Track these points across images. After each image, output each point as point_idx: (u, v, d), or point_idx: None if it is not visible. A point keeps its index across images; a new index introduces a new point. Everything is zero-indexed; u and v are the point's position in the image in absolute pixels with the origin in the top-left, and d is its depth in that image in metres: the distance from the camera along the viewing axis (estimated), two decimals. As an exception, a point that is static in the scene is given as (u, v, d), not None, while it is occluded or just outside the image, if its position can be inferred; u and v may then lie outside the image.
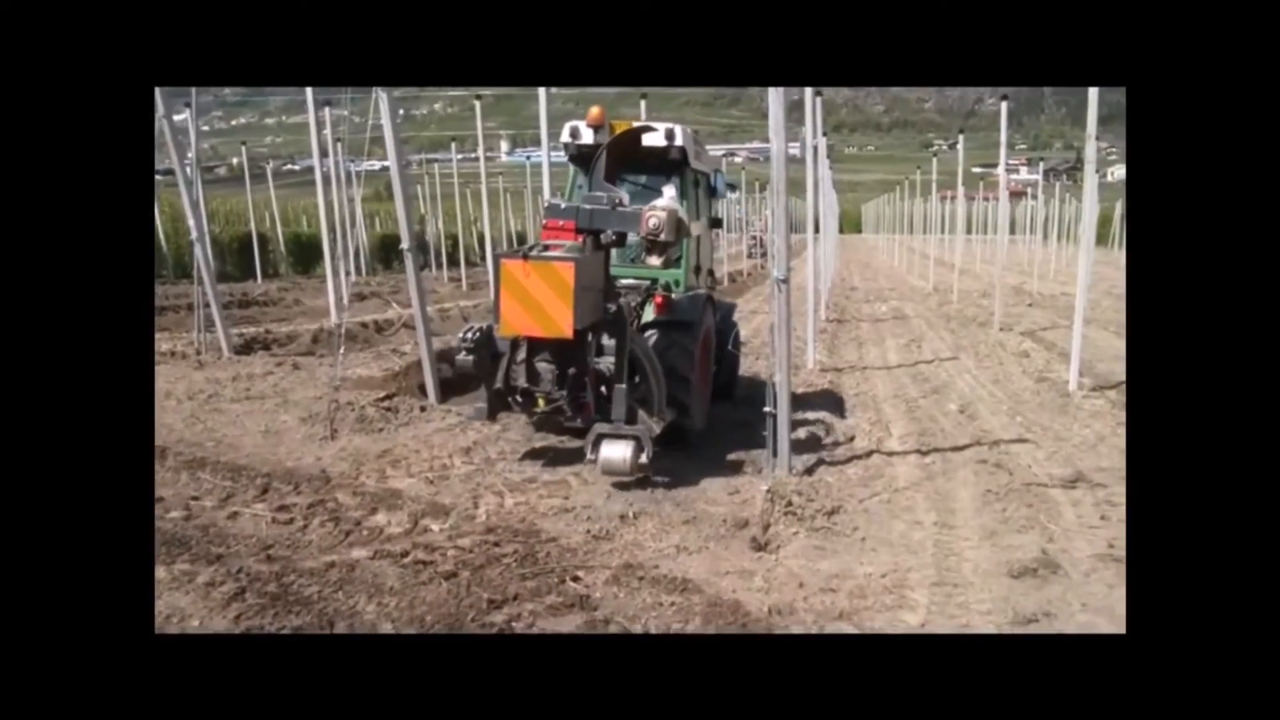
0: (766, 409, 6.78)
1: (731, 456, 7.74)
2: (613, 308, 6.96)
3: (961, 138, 22.97)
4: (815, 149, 13.66)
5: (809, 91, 12.11)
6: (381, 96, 8.75)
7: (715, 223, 9.76)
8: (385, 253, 35.12)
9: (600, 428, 6.84)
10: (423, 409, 9.29)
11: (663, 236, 6.75)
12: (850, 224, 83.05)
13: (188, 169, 12.50)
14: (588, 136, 8.14)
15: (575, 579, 5.09)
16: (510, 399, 7.32)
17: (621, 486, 6.80)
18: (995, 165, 19.05)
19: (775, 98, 6.58)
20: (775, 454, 7.01)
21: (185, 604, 4.64)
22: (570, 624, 4.54)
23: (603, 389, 7.06)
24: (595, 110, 8.02)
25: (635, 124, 8.22)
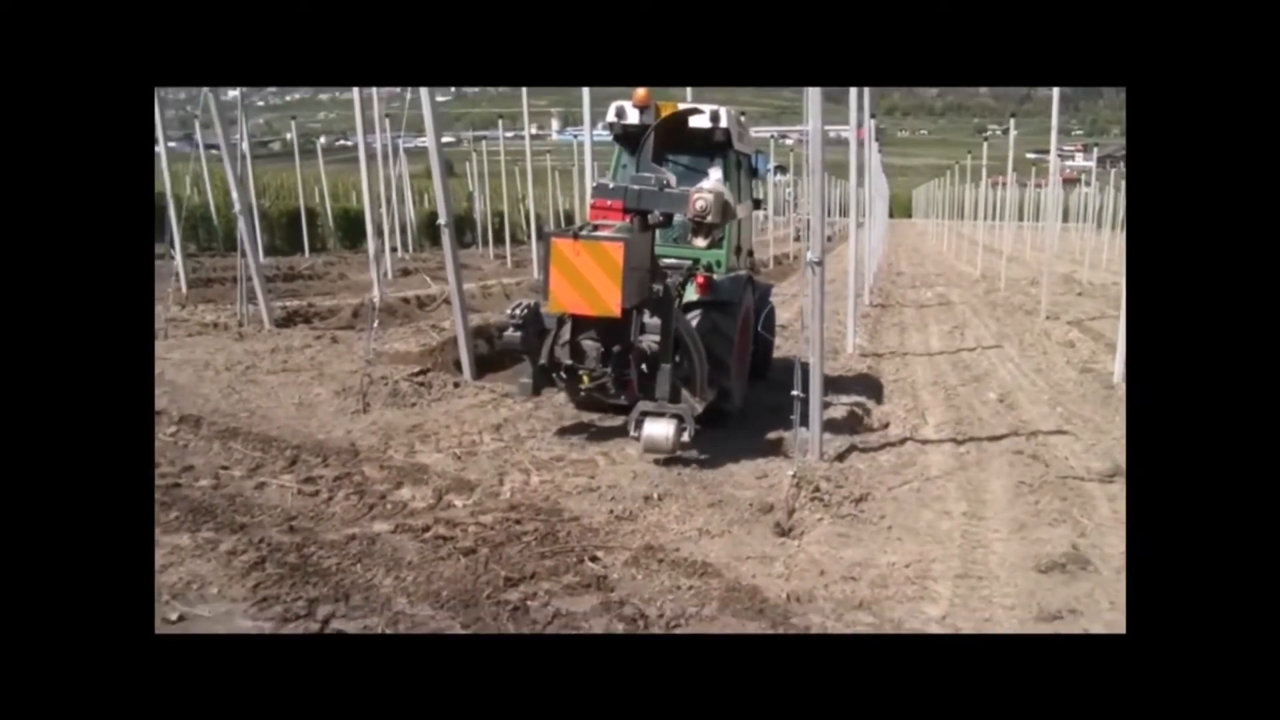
0: (794, 392, 6.70)
1: (763, 441, 7.67)
2: (659, 288, 7.00)
3: (1013, 122, 22.56)
4: (860, 131, 13.46)
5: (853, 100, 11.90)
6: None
7: (756, 203, 9.75)
8: (433, 229, 35.24)
9: (644, 406, 6.89)
10: (456, 385, 9.31)
11: (709, 218, 6.84)
12: (900, 209, 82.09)
13: (241, 142, 12.67)
14: (633, 117, 8.29)
15: (594, 559, 5.06)
16: (555, 375, 7.43)
17: (649, 467, 6.76)
18: (1049, 151, 18.66)
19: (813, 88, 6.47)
20: (803, 438, 6.93)
21: (206, 572, 4.68)
22: (586, 604, 4.51)
23: (644, 366, 7.11)
24: (641, 91, 8.19)
25: (681, 105, 8.30)
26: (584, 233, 6.71)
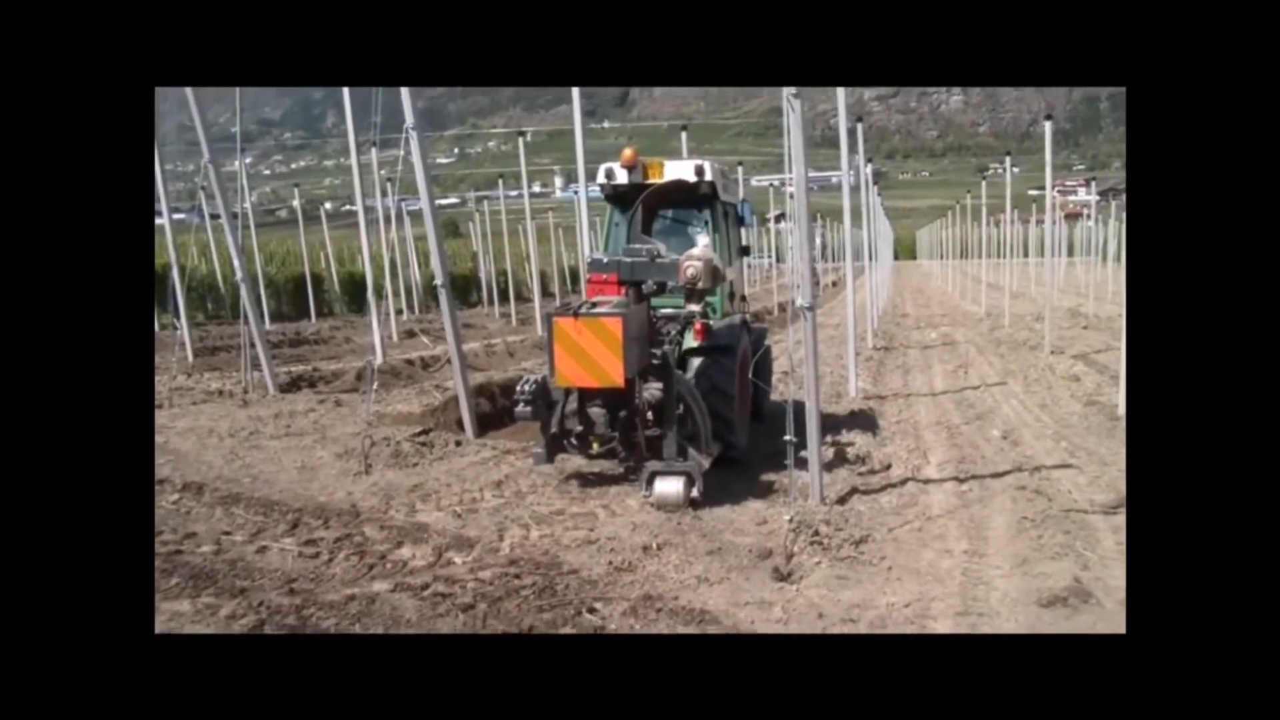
0: (787, 438, 6.71)
1: (764, 486, 7.66)
2: (658, 353, 7.24)
3: (1008, 160, 22.73)
4: (856, 176, 13.59)
5: (842, 107, 11.96)
6: (412, 135, 8.93)
7: (744, 250, 9.94)
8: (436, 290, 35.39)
9: (652, 465, 7.10)
10: (458, 443, 9.35)
11: (700, 285, 7.25)
12: (904, 250, 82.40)
13: (246, 207, 12.88)
14: (622, 177, 8.62)
15: (592, 610, 5.05)
16: (565, 442, 7.66)
17: (648, 518, 6.76)
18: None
19: (795, 120, 6.55)
20: (798, 483, 6.94)
21: (204, 638, 4.68)
22: (583, 656, 4.49)
23: (649, 414, 7.28)
24: (628, 152, 8.57)
25: (666, 164, 8.61)
26: (583, 310, 6.96)
